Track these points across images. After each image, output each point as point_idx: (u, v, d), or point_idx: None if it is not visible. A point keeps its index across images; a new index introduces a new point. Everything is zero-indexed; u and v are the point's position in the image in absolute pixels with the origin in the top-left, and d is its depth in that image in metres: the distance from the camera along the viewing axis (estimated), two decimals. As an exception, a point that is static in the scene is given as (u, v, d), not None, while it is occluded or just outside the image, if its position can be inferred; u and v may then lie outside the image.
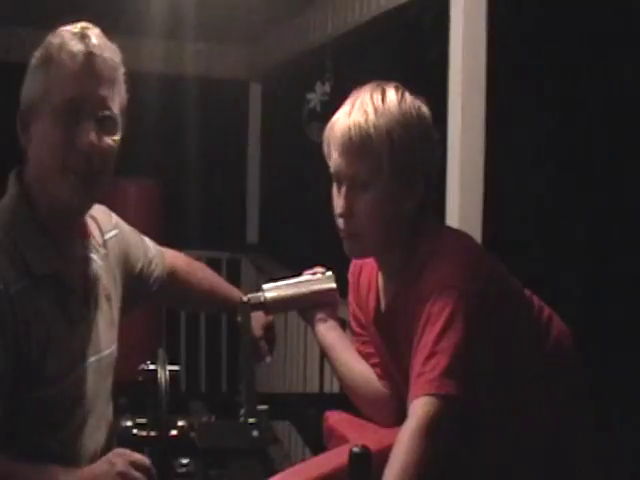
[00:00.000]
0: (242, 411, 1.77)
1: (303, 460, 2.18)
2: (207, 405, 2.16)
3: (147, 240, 1.99)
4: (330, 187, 1.76)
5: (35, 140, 1.61)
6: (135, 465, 1.52)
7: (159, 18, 4.11)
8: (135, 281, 1.90)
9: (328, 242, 2.04)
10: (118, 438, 1.74)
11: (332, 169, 1.72)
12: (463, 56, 2.47)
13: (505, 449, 1.72)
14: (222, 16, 4.43)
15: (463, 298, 1.56)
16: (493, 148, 2.49)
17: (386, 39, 3.91)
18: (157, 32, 4.40)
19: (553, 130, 3.81)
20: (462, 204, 2.46)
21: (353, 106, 1.68)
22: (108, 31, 1.66)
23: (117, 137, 1.64)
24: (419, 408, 1.49)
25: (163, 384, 1.67)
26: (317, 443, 2.05)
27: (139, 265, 1.91)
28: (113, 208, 1.88)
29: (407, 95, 1.70)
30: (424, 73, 3.34)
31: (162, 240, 2.07)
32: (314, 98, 4.23)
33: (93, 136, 1.59)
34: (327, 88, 4.18)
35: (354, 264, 1.93)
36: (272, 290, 1.94)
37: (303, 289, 1.96)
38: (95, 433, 1.71)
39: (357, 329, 1.95)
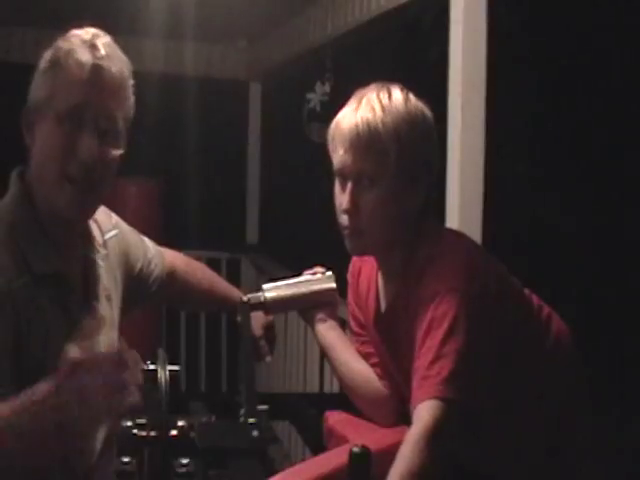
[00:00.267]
0: (242, 411, 1.77)
1: (303, 460, 2.17)
2: (207, 405, 2.16)
3: (147, 240, 1.99)
4: (330, 186, 1.76)
5: (38, 142, 1.61)
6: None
7: (159, 18, 4.11)
8: (135, 281, 1.90)
9: (328, 242, 2.04)
10: (118, 438, 1.74)
11: (337, 166, 1.72)
12: (463, 56, 2.47)
13: (504, 448, 1.72)
14: (222, 16, 4.43)
15: (466, 301, 1.57)
16: (493, 148, 2.49)
17: (386, 39, 3.92)
18: (157, 32, 4.41)
19: (553, 130, 3.81)
20: (462, 204, 2.46)
21: (360, 103, 1.69)
22: (108, 31, 1.65)
23: (119, 150, 1.64)
24: (426, 412, 1.49)
25: (163, 384, 1.66)
26: (317, 443, 2.05)
27: (139, 265, 1.91)
28: (113, 208, 1.88)
29: (411, 95, 1.72)
30: (424, 73, 3.34)
31: (162, 240, 2.07)
32: (314, 98, 4.23)
33: (94, 147, 1.58)
34: (327, 88, 4.18)
35: (353, 264, 1.93)
36: (272, 290, 1.94)
37: (303, 289, 1.96)
38: (95, 433, 1.71)
39: (356, 329, 1.95)
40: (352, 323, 1.97)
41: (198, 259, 2.33)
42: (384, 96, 1.69)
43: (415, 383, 1.55)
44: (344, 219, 1.72)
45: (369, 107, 1.67)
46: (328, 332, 1.95)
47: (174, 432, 1.69)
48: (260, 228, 5.64)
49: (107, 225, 1.82)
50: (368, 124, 1.65)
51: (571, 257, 3.85)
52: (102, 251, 1.76)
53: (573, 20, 3.58)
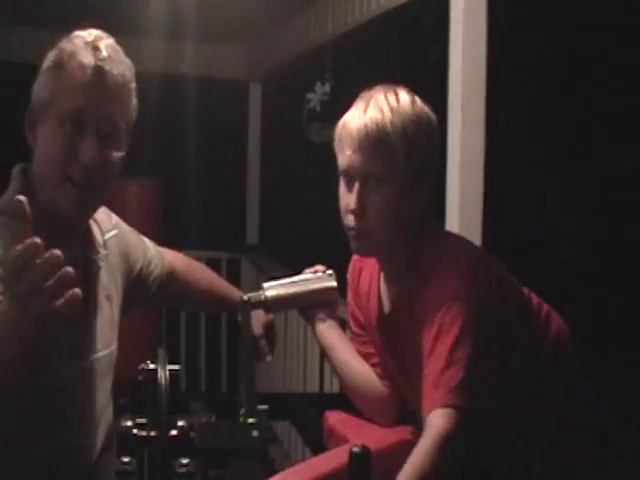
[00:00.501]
0: (242, 411, 1.77)
1: (303, 460, 2.17)
2: (207, 405, 2.16)
3: (146, 240, 1.99)
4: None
5: (40, 142, 1.61)
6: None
7: (159, 18, 4.11)
8: (134, 281, 1.90)
9: (328, 242, 2.04)
10: (118, 438, 1.74)
11: (343, 166, 1.72)
12: (463, 56, 2.47)
13: (504, 448, 1.72)
14: (222, 16, 4.43)
15: (473, 306, 1.58)
16: (493, 148, 2.49)
17: (386, 39, 3.92)
18: (157, 32, 4.40)
19: (553, 130, 3.81)
20: (462, 204, 2.46)
21: (368, 105, 1.69)
22: (108, 31, 1.65)
23: (121, 152, 1.63)
24: (439, 419, 1.50)
25: (163, 384, 1.66)
26: (317, 443, 2.05)
27: (138, 265, 1.91)
28: (113, 208, 1.88)
29: (416, 97, 1.74)
30: (424, 73, 3.34)
31: (162, 240, 2.07)
32: (314, 98, 4.23)
33: (95, 150, 1.58)
34: (327, 88, 4.18)
35: (353, 265, 1.93)
36: (272, 288, 1.94)
37: (303, 287, 1.96)
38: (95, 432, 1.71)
39: (356, 329, 1.95)
40: (352, 323, 1.97)
41: (198, 259, 2.33)
42: (392, 97, 1.70)
43: (426, 390, 1.55)
44: (350, 220, 1.71)
45: (377, 108, 1.68)
46: (328, 332, 1.95)
47: (174, 432, 1.69)
48: (260, 228, 5.64)
49: (107, 225, 1.82)
50: (377, 125, 1.66)
51: (571, 257, 3.85)
52: (102, 251, 1.76)
53: (573, 20, 3.58)
